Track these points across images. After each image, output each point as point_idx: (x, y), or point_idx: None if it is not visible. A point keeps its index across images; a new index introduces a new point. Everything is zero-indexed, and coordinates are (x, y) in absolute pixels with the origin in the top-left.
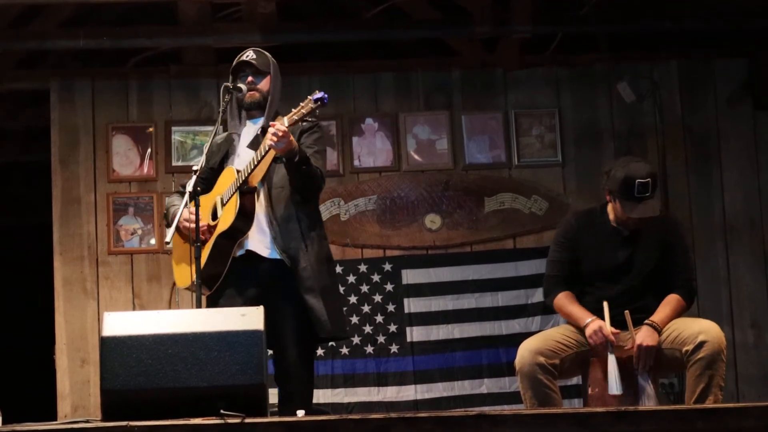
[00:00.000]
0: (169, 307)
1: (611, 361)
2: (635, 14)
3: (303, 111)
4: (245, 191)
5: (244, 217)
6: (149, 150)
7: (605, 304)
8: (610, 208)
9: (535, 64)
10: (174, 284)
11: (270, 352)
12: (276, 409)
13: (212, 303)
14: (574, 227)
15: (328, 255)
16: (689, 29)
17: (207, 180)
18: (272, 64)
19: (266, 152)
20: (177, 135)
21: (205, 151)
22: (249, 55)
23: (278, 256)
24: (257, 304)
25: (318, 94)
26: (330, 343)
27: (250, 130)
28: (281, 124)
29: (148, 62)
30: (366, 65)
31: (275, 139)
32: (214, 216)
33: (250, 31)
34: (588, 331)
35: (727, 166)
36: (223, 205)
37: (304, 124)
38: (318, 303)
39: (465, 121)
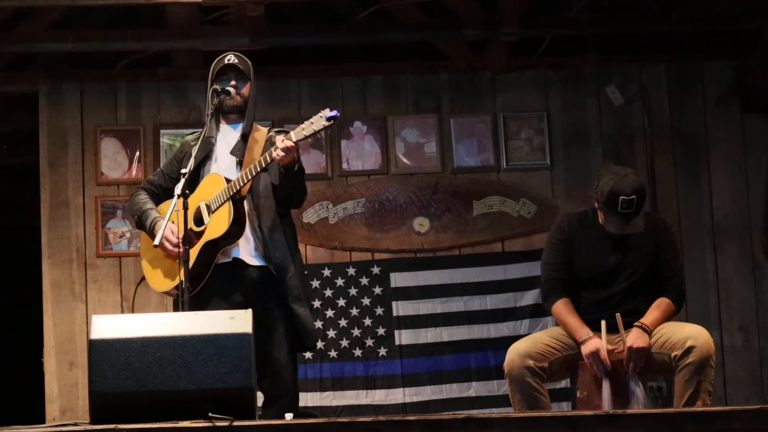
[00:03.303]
0: (132, 306)
1: (606, 387)
2: (623, 17)
3: (314, 128)
4: (237, 200)
5: (238, 225)
6: (138, 153)
7: (603, 324)
8: (600, 213)
9: (523, 67)
10: (139, 282)
11: None
12: (260, 412)
13: (196, 309)
14: (566, 229)
15: (304, 266)
16: (677, 32)
17: (177, 180)
18: (252, 70)
19: (267, 164)
20: (165, 138)
21: (194, 153)
22: (231, 59)
23: (263, 263)
24: (243, 309)
25: (331, 113)
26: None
27: (228, 135)
28: (289, 139)
29: (136, 65)
30: (354, 68)
31: (283, 154)
32: (199, 221)
33: (239, 34)
34: (584, 351)
35: (715, 169)
36: (210, 212)
37: (281, 134)
38: (306, 313)
39: (453, 124)
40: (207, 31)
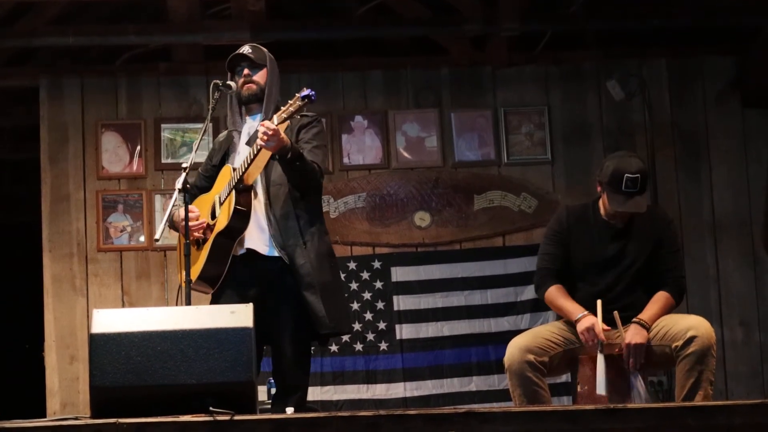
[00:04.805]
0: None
1: (600, 361)
2: (624, 12)
3: (291, 109)
4: (241, 189)
5: (240, 215)
6: (138, 147)
7: (599, 303)
8: (601, 202)
9: (524, 61)
10: (181, 284)
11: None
12: (266, 405)
13: (213, 303)
14: (565, 221)
15: (328, 250)
16: (678, 27)
17: (211, 178)
18: (269, 58)
19: (258, 151)
20: (166, 132)
21: (195, 147)
22: (245, 49)
23: (277, 254)
24: (257, 303)
25: (305, 92)
26: (332, 339)
27: (250, 126)
28: (271, 123)
29: (137, 59)
30: (355, 63)
31: (265, 138)
32: (213, 215)
33: (240, 28)
34: (580, 328)
35: (715, 164)
36: (220, 204)
37: (304, 119)
38: (316, 300)
39: (454, 118)
40: (207, 26)
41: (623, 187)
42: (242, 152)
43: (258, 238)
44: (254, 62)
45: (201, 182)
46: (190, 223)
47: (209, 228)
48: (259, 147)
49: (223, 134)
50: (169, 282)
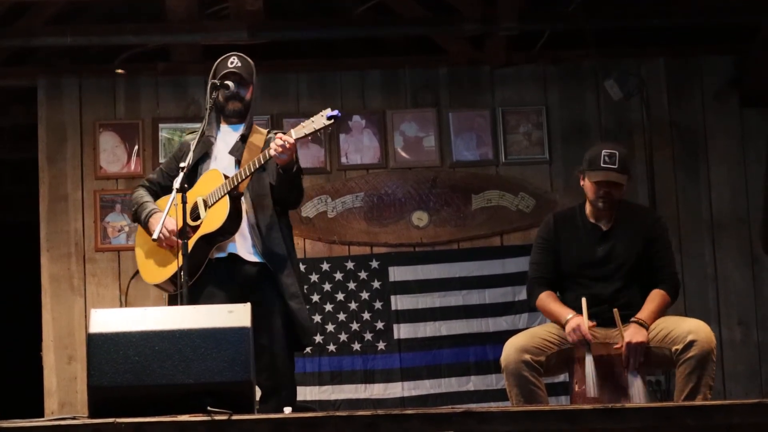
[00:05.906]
0: (125, 299)
1: (588, 362)
2: (623, 11)
3: (315, 126)
4: (234, 196)
5: (234, 221)
6: (136, 147)
7: (583, 300)
8: (587, 204)
9: (522, 61)
10: (133, 276)
11: None
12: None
13: (190, 302)
14: (552, 228)
15: (299, 266)
16: (676, 26)
17: (173, 178)
18: (254, 73)
19: (266, 161)
20: (164, 132)
21: (193, 147)
22: (234, 62)
23: (261, 260)
24: (240, 302)
25: (332, 112)
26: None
27: (227, 135)
28: (289, 137)
29: (135, 59)
30: (354, 63)
31: (280, 150)
32: (195, 216)
33: (238, 28)
34: (567, 329)
35: (714, 163)
36: (207, 207)
37: (272, 134)
38: (302, 309)
39: (452, 118)
40: (206, 26)
41: (602, 163)
42: (220, 158)
43: (241, 244)
44: (243, 79)
45: (165, 181)
46: (168, 236)
47: (192, 229)
48: (269, 157)
49: (189, 136)
50: None
